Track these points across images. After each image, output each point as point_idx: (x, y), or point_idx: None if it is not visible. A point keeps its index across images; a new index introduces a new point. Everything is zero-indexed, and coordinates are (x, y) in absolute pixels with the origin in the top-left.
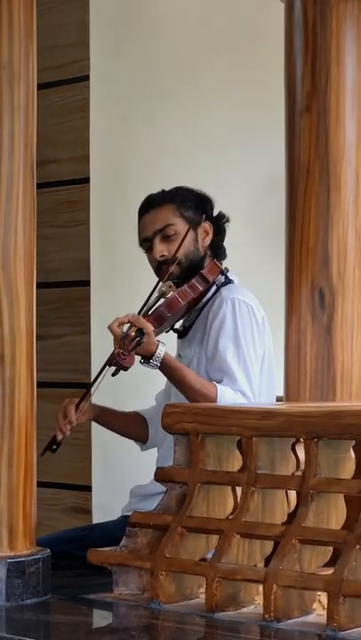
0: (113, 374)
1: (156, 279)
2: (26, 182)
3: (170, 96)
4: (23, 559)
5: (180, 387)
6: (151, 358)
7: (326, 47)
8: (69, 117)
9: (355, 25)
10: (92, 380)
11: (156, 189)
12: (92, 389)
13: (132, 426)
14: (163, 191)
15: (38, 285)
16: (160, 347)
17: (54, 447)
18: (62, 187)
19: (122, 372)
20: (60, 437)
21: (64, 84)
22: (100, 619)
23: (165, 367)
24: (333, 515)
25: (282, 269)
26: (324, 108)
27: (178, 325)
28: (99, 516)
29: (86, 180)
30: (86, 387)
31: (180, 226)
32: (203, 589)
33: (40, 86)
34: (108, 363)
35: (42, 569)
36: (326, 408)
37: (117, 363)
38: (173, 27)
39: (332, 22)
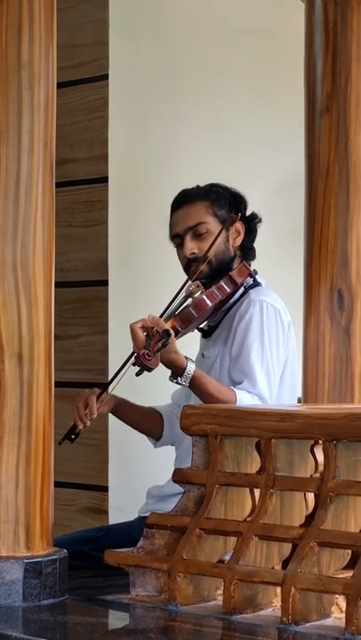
0: (137, 374)
1: (178, 278)
2: (45, 182)
3: (189, 95)
4: (40, 559)
5: (200, 395)
6: (180, 376)
7: (347, 47)
8: (88, 116)
9: None
10: (109, 378)
11: (174, 189)
12: (112, 385)
13: (148, 421)
14: (197, 187)
15: (56, 285)
16: (189, 364)
17: (73, 437)
18: (80, 186)
19: (145, 372)
20: (80, 427)
21: (83, 82)
22: (117, 620)
23: (192, 381)
24: (352, 517)
25: (296, 271)
26: (345, 109)
27: (203, 325)
28: (115, 517)
29: (105, 180)
30: (105, 385)
31: (212, 224)
32: (220, 591)
33: (59, 85)
34: (133, 362)
35: (59, 569)
36: (346, 410)
37: (142, 363)
38: (193, 25)
39: (352, 22)
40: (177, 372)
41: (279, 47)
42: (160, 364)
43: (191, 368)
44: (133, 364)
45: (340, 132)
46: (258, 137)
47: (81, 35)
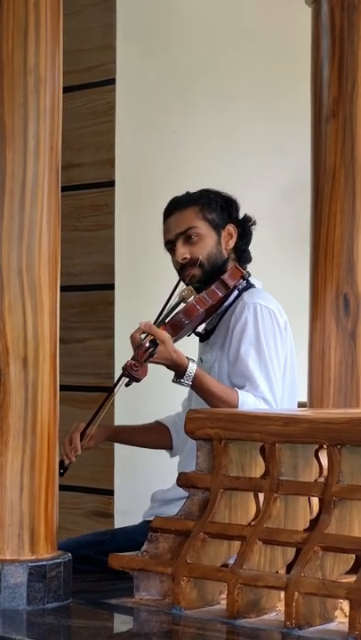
0: (126, 385)
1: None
2: (51, 186)
3: (196, 100)
4: (45, 563)
5: (203, 394)
6: (182, 376)
7: (353, 52)
8: (95, 121)
9: None
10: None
11: (181, 193)
12: (100, 416)
13: (153, 437)
14: (188, 193)
15: (62, 289)
16: (190, 365)
17: (61, 471)
18: (87, 190)
19: (135, 383)
20: (66, 462)
21: (90, 87)
22: (121, 624)
23: (195, 381)
24: (356, 522)
25: (301, 275)
26: (351, 114)
27: (200, 329)
28: (120, 521)
29: (111, 184)
30: (107, 392)
31: (202, 228)
32: (224, 595)
33: (65, 90)
34: (121, 373)
35: (63, 573)
36: (350, 415)
37: (129, 374)
38: (200, 30)
39: (359, 27)
40: (179, 371)
41: (286, 52)
42: (148, 374)
43: (193, 367)
44: (122, 375)
45: (347, 136)
46: (264, 141)
47: (88, 39)
